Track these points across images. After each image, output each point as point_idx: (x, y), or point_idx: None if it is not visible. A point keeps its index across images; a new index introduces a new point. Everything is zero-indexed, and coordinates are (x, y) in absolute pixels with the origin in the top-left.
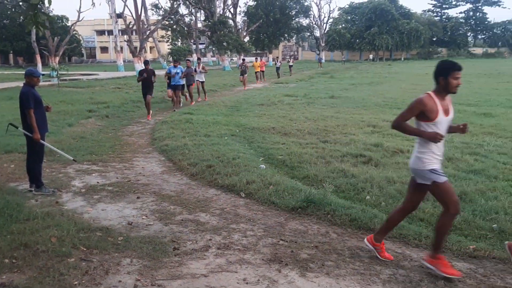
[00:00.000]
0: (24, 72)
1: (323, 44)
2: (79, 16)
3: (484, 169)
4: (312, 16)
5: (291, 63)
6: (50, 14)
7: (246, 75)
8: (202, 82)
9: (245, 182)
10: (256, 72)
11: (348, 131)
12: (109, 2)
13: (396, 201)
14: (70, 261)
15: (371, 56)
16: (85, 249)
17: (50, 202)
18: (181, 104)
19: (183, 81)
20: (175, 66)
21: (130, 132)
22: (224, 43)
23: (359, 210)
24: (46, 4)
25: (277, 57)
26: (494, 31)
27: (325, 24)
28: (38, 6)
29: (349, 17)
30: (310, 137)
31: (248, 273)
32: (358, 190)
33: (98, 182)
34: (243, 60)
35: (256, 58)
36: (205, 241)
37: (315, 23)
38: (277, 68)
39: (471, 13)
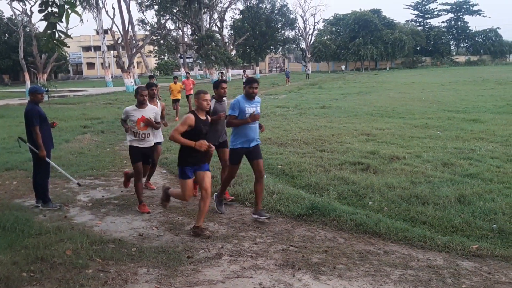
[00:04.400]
0: (26, 90)
1: (309, 56)
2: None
3: (479, 173)
4: (297, 28)
5: (245, 79)
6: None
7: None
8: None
9: (249, 191)
10: (174, 102)
11: (343, 140)
12: (96, 19)
13: (398, 206)
14: (88, 272)
15: (343, 67)
16: (101, 261)
17: (59, 217)
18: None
19: None
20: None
21: (128, 146)
22: (212, 57)
23: (364, 215)
24: (64, 23)
25: (221, 72)
26: (476, 39)
27: (310, 36)
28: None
29: (333, 29)
30: (306, 147)
31: (263, 278)
32: (360, 197)
33: (103, 196)
34: (151, 77)
35: (175, 78)
36: (217, 249)
37: (300, 35)
38: None
39: (452, 22)
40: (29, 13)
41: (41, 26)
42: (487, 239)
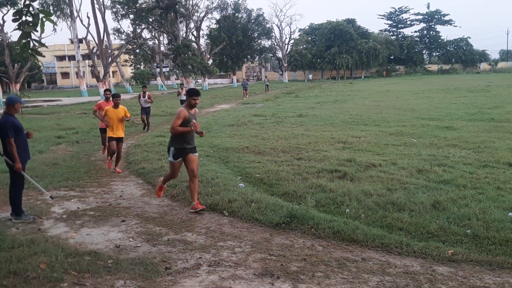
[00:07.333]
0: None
1: (285, 65)
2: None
3: (453, 179)
4: (274, 37)
5: (182, 96)
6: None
7: None
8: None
9: (227, 200)
10: (111, 140)
11: (320, 148)
12: (71, 28)
13: (374, 213)
14: (64, 286)
15: (310, 76)
16: (76, 274)
17: (33, 229)
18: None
19: None
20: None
21: (103, 157)
22: (188, 66)
23: (341, 222)
24: (39, 32)
25: (144, 89)
26: (448, 48)
27: (286, 45)
28: (31, 33)
29: (309, 38)
30: (284, 155)
31: None
32: (337, 204)
33: (78, 208)
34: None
35: (106, 92)
36: (195, 259)
37: (277, 44)
38: (144, 110)
39: (425, 31)
40: (0, 22)
41: (13, 35)
42: (462, 244)
